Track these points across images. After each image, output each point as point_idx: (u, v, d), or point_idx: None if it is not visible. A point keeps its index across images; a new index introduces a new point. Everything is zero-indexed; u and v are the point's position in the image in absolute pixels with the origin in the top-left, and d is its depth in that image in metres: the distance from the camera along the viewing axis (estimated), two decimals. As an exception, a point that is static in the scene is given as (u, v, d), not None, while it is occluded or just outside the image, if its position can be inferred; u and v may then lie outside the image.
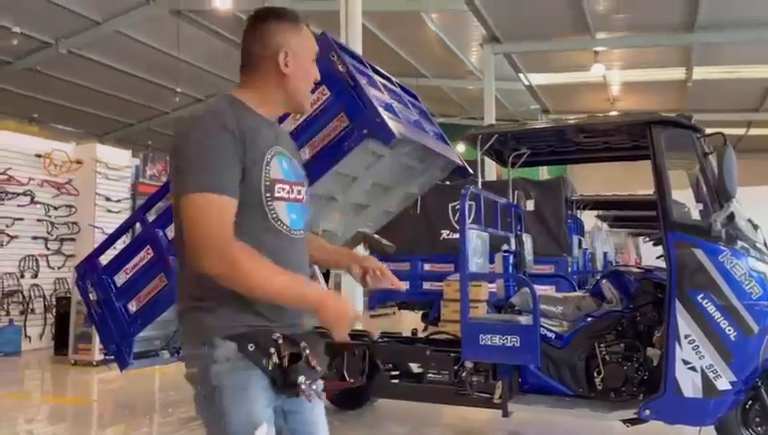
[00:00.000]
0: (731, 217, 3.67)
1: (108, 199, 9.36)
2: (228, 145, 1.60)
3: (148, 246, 5.12)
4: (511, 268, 4.87)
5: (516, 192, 9.13)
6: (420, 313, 9.81)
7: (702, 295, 3.63)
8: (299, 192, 1.76)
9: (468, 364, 4.29)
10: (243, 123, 1.64)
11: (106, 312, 5.20)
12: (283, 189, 1.70)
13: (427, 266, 9.19)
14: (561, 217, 8.54)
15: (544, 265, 8.57)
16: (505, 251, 4.91)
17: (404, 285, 2.16)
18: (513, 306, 4.53)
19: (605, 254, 11.92)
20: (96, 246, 6.01)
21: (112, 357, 5.25)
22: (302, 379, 1.62)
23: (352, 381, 4.72)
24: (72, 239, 9.31)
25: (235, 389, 1.61)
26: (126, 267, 5.23)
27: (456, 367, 4.33)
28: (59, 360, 8.01)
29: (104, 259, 5.42)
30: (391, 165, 5.02)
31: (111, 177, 9.45)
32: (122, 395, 6.61)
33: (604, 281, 4.39)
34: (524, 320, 4.07)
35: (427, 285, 9.22)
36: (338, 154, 4.43)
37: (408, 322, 11.45)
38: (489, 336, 3.93)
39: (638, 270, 4.32)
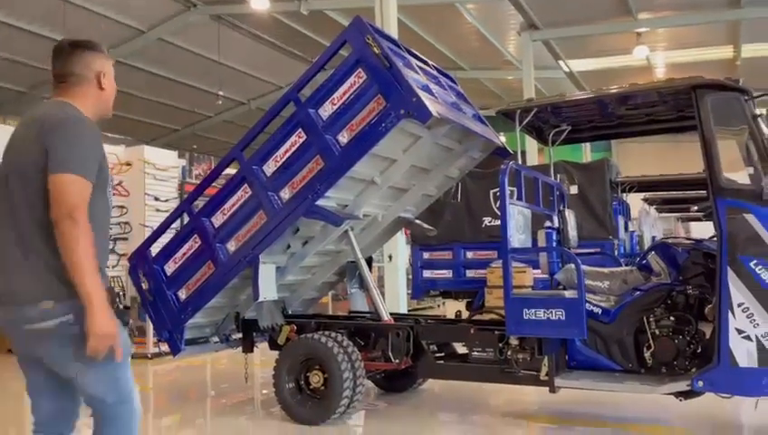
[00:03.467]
0: (782, 179, 3.54)
1: (156, 199, 9.62)
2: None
3: (196, 235, 5.26)
4: (555, 245, 4.80)
5: (559, 175, 9.03)
6: (465, 301, 9.76)
7: (755, 262, 3.52)
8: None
9: (513, 341, 4.27)
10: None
11: (158, 300, 5.36)
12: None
13: (469, 254, 9.13)
14: (605, 200, 8.37)
15: (589, 249, 8.42)
16: (548, 227, 4.85)
17: None
18: (559, 284, 4.47)
19: (653, 238, 11.62)
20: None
21: (166, 344, 5.42)
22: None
23: (397, 362, 4.74)
24: (125, 239, 9.60)
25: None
26: (175, 256, 5.38)
27: (500, 344, 4.30)
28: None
29: (155, 250, 5.59)
30: (430, 147, 5.03)
31: (159, 177, 9.72)
32: (176, 385, 6.81)
33: (651, 254, 4.29)
34: (569, 294, 4.01)
35: (470, 273, 9.17)
36: (376, 136, 4.46)
37: (453, 312, 11.42)
38: (533, 311, 3.89)
39: (687, 241, 4.20)
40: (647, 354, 4.04)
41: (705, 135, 3.67)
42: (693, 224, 13.44)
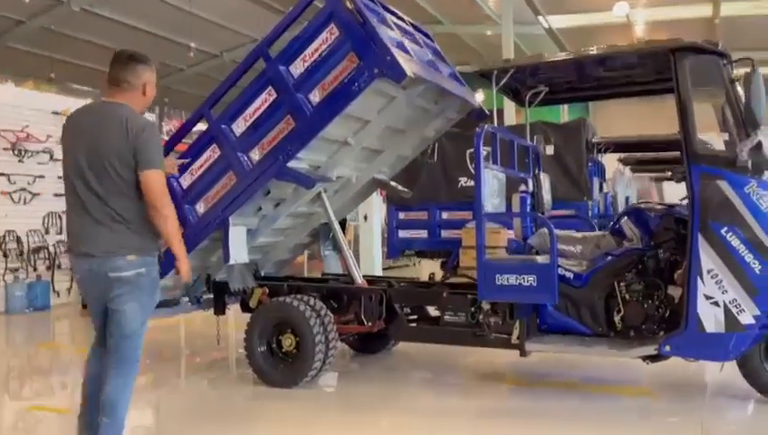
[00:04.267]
0: (758, 146, 3.52)
1: (125, 155, 9.35)
2: None
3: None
4: (528, 209, 4.77)
5: (535, 136, 8.95)
6: (440, 261, 9.77)
7: (726, 229, 3.52)
8: None
9: (485, 305, 4.27)
10: None
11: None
12: None
13: (444, 215, 9.08)
14: (581, 161, 8.33)
15: (563, 210, 8.44)
16: (522, 192, 4.80)
17: None
18: (532, 248, 4.45)
19: (627, 198, 11.69)
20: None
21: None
22: None
23: (370, 325, 4.72)
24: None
25: (156, 284, 3.06)
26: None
27: (472, 308, 4.30)
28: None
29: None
30: (405, 107, 4.91)
31: (128, 133, 9.43)
32: (148, 345, 6.73)
33: (624, 219, 4.28)
34: (542, 259, 4.00)
35: (445, 234, 9.14)
36: (349, 96, 4.33)
37: (428, 271, 11.48)
38: (506, 276, 3.87)
39: (660, 207, 4.19)
40: (616, 319, 4.07)
41: (683, 99, 3.61)
42: (666, 184, 13.55)
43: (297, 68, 4.56)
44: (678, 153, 10.28)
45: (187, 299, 5.54)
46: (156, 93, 3.15)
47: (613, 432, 3.63)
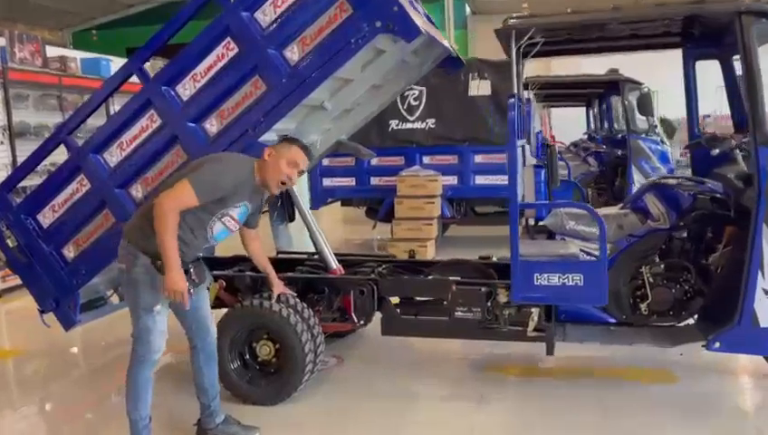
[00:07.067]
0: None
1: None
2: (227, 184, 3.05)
3: (82, 176, 4.00)
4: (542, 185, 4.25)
5: (470, 74, 8.39)
6: (364, 208, 9.15)
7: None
8: (234, 226, 3.22)
9: (502, 298, 3.77)
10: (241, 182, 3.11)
11: (35, 261, 4.11)
12: (229, 222, 3.17)
13: (374, 160, 8.39)
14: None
15: (500, 154, 8.08)
16: (536, 166, 4.26)
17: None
18: (546, 229, 3.98)
19: (537, 133, 11.64)
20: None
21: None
22: (186, 284, 2.96)
23: (362, 323, 4.08)
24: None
25: (146, 283, 2.99)
26: (53, 203, 4.11)
27: (488, 303, 3.79)
28: None
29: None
30: (390, 63, 4.09)
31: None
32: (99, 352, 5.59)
33: (648, 195, 3.90)
34: (573, 248, 3.54)
35: (375, 181, 8.49)
36: (342, 55, 3.44)
37: (349, 218, 10.81)
38: (546, 275, 3.37)
39: (689, 183, 3.85)
40: (642, 306, 3.76)
41: (751, 72, 3.16)
42: (553, 111, 13.84)
43: (266, 15, 3.56)
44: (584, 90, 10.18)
45: (117, 297, 4.54)
46: None
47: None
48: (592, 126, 11.38)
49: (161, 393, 3.47)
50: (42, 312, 4.18)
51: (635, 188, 7.70)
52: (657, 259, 3.80)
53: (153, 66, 5.87)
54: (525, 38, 3.65)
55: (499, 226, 8.97)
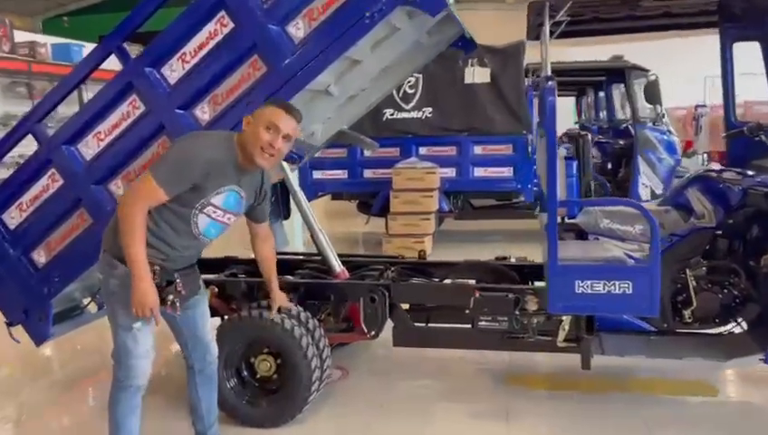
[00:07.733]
0: None
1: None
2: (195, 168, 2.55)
3: (53, 171, 3.52)
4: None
5: (470, 60, 7.97)
6: (356, 202, 8.71)
7: None
8: (226, 218, 2.72)
9: (532, 305, 3.39)
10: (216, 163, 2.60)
11: (0, 267, 3.62)
12: (215, 212, 2.67)
13: (367, 152, 7.95)
14: (520, 90, 7.52)
15: (501, 145, 7.71)
16: (567, 157, 3.86)
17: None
18: (576, 227, 3.60)
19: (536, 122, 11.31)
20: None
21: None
22: (170, 297, 2.62)
23: (373, 334, 3.65)
24: None
25: (121, 297, 2.57)
26: (21, 201, 3.63)
27: (516, 311, 3.39)
28: None
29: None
30: (404, 42, 3.66)
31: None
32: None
33: (691, 190, 3.53)
34: (617, 250, 3.16)
35: (368, 173, 8.06)
36: (355, 32, 3.00)
37: (336, 211, 10.35)
38: (589, 283, 2.98)
39: (736, 176, 3.50)
40: (686, 312, 3.40)
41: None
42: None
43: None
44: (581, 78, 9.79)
45: (93, 306, 4.05)
46: None
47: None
48: (584, 116, 11.04)
49: (149, 416, 3.00)
50: (9, 324, 3.69)
51: (641, 180, 7.39)
52: (702, 261, 3.43)
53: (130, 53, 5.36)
54: (560, 13, 3.23)
55: (495, 220, 8.68)
